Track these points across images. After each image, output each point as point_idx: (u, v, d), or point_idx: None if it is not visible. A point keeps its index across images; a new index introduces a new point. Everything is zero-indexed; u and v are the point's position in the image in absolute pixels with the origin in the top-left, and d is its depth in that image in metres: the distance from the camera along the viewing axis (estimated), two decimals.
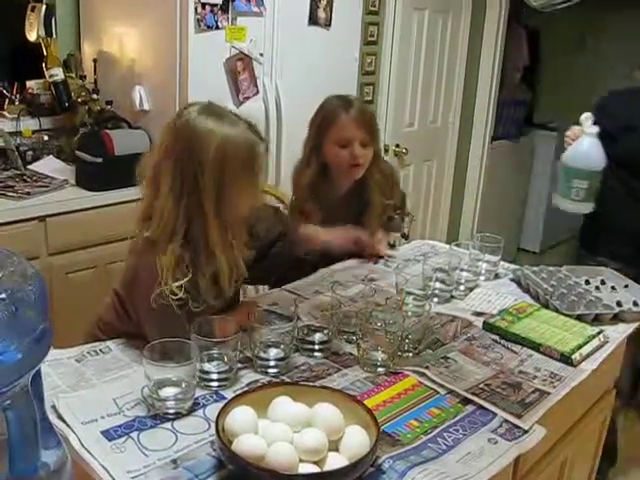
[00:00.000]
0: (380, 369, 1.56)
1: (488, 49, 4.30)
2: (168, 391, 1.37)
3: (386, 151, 4.11)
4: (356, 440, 1.19)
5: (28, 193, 2.68)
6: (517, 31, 4.70)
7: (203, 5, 2.63)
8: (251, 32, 2.83)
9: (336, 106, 2.03)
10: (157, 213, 1.57)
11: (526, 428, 1.37)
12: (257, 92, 2.93)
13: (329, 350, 1.64)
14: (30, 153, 3.00)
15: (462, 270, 2.02)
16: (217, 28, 2.71)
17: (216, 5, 2.67)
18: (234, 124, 1.61)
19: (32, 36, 3.12)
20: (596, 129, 2.24)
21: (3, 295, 0.87)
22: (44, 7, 3.07)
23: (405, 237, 4.13)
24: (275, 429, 1.19)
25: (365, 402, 1.40)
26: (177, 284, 1.53)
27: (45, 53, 3.10)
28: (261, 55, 2.90)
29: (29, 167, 2.94)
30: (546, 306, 1.91)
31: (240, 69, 2.84)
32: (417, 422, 1.37)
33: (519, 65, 4.87)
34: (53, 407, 1.34)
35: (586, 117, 2.28)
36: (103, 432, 1.29)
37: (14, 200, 2.63)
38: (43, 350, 0.98)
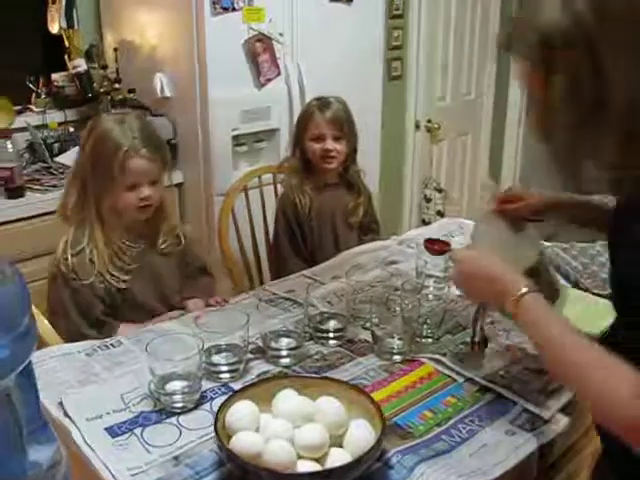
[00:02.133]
0: (396, 357, 1.51)
1: None
2: (174, 385, 1.34)
3: (417, 127, 4.02)
4: (360, 435, 1.14)
5: (54, 185, 2.69)
6: None
7: None
8: (270, 12, 2.77)
9: (313, 106, 2.27)
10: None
11: (547, 417, 1.30)
12: (279, 73, 2.87)
13: (344, 338, 1.59)
14: (57, 145, 3.00)
15: None
16: (234, 10, 2.65)
17: None
18: (120, 130, 1.76)
19: (54, 28, 3.12)
20: None
21: None
22: None
23: (440, 214, 4.07)
24: (275, 425, 1.15)
25: (377, 392, 1.36)
26: (66, 254, 1.77)
27: (67, 45, 3.10)
28: (281, 35, 2.83)
29: (56, 159, 2.95)
30: (576, 285, 1.83)
31: (260, 50, 2.78)
32: (431, 413, 1.32)
33: None
34: (60, 403, 1.33)
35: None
36: (107, 429, 1.27)
37: (40, 193, 2.64)
38: (26, 350, 0.95)
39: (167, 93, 2.86)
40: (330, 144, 2.22)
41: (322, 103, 2.26)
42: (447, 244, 1.38)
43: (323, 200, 2.29)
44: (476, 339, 1.41)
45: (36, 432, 1.02)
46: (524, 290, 1.09)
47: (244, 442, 1.10)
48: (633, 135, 0.92)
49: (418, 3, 3.73)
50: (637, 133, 0.92)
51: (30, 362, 0.99)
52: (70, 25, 3.10)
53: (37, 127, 2.99)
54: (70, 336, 1.69)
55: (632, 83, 0.89)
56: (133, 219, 1.84)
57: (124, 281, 1.82)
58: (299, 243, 2.29)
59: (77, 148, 2.92)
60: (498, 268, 1.20)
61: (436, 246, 1.42)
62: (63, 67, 3.10)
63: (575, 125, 0.96)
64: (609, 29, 0.89)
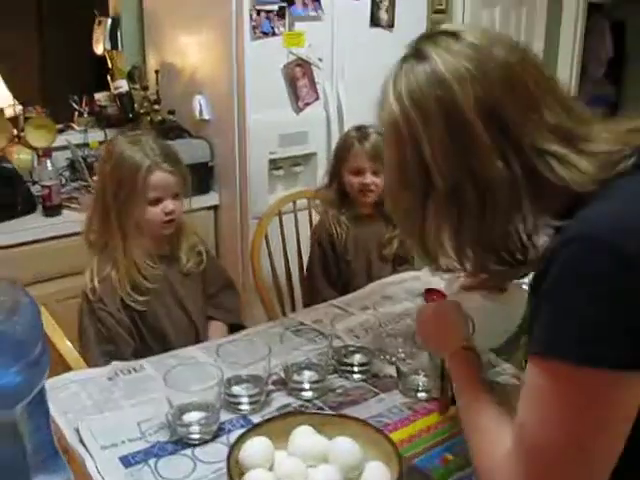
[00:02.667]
0: (421, 394, 1.47)
1: (567, 43, 4.07)
2: (192, 416, 1.32)
3: None
4: (375, 478, 1.10)
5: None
6: (599, 23, 4.45)
7: (258, 12, 2.58)
8: (310, 36, 2.77)
9: (352, 137, 2.22)
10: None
11: None
12: (317, 98, 2.86)
13: (368, 372, 1.55)
14: (97, 164, 3.04)
15: None
16: (274, 34, 2.66)
17: (272, 11, 2.62)
18: (138, 148, 1.79)
19: (99, 49, 3.19)
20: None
21: None
22: (110, 21, 3.13)
23: None
24: (288, 464, 1.12)
25: (399, 432, 1.33)
26: (93, 281, 1.77)
27: (111, 66, 3.15)
28: (320, 60, 2.82)
29: (95, 178, 2.98)
30: None
31: (299, 75, 2.78)
32: (452, 456, 1.27)
33: (602, 59, 4.61)
34: (76, 430, 1.32)
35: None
36: (121, 458, 1.26)
37: (78, 211, 2.67)
38: (38, 377, 0.95)
39: (206, 116, 2.87)
40: (369, 178, 2.17)
41: (361, 134, 2.21)
42: (444, 296, 1.36)
43: (359, 232, 2.25)
44: (442, 397, 1.35)
45: (46, 461, 1.01)
46: (457, 346, 1.19)
47: None
48: (461, 221, 0.98)
49: None
50: (463, 217, 0.98)
51: (43, 389, 0.99)
52: (114, 47, 3.16)
53: (78, 146, 3.04)
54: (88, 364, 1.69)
55: (449, 170, 0.96)
56: (157, 235, 1.85)
57: (146, 302, 1.82)
58: (333, 274, 2.26)
59: None
60: (449, 319, 1.27)
61: (434, 296, 1.42)
62: (106, 87, 3.15)
63: (412, 208, 1.03)
64: (426, 124, 0.96)
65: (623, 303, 0.81)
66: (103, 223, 1.80)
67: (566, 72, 4.13)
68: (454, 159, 0.95)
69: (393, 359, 1.57)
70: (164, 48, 3.10)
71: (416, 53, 1.00)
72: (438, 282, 2.03)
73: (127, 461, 1.25)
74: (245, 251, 2.85)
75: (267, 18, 2.61)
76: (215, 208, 2.94)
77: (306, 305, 2.23)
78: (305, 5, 2.71)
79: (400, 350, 1.52)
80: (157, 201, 1.79)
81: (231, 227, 2.90)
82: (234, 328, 2.03)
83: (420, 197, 1.00)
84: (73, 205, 2.72)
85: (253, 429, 1.22)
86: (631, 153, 0.93)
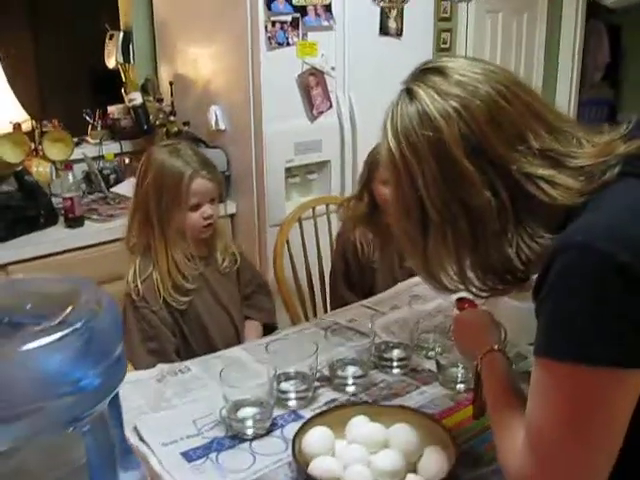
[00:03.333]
0: (460, 386, 1.52)
1: (566, 48, 4.17)
2: (246, 412, 1.37)
3: None
4: (434, 461, 1.16)
5: (111, 215, 2.77)
6: (596, 27, 4.55)
7: (273, 23, 2.65)
8: (322, 46, 2.83)
9: None
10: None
11: None
12: (330, 106, 2.92)
13: (407, 367, 1.61)
14: (113, 176, 3.09)
15: None
16: (288, 45, 2.72)
17: (286, 22, 2.68)
18: (178, 157, 1.86)
19: (111, 63, 3.24)
20: None
21: (78, 324, 0.89)
22: (122, 35, 3.19)
23: None
24: (352, 450, 1.17)
25: (444, 421, 1.37)
26: (136, 281, 1.84)
27: (124, 79, 3.20)
28: (333, 69, 2.89)
29: (112, 190, 3.03)
30: None
31: (313, 84, 2.84)
32: None
33: (600, 63, 4.70)
34: (135, 428, 1.36)
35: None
36: (182, 453, 1.30)
37: (99, 223, 2.72)
38: (119, 375, 1.00)
39: (221, 126, 2.93)
40: None
41: None
42: (475, 305, 1.44)
43: (387, 245, 2.22)
44: (476, 402, 1.34)
45: (121, 459, 1.05)
46: (488, 348, 1.22)
47: (324, 466, 1.12)
48: (459, 249, 1.05)
49: (465, 37, 3.78)
50: (460, 246, 1.05)
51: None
52: (126, 60, 3.21)
53: (93, 158, 3.09)
54: (133, 363, 1.74)
55: (442, 204, 1.03)
56: (196, 239, 1.91)
57: (187, 301, 1.88)
58: (356, 283, 2.27)
59: (133, 179, 3.01)
60: (481, 326, 1.32)
61: (466, 305, 1.50)
62: (119, 100, 3.20)
63: (413, 237, 1.09)
64: (419, 162, 1.03)
65: (616, 307, 0.86)
66: (144, 229, 1.86)
67: (567, 76, 4.23)
68: (446, 193, 1.02)
69: (430, 354, 1.63)
70: (176, 60, 3.16)
71: (408, 93, 1.07)
72: None
73: (189, 456, 1.30)
74: (263, 258, 2.90)
75: (282, 29, 2.68)
76: (232, 217, 2.99)
77: (332, 310, 2.27)
78: (318, 15, 2.77)
79: (437, 345, 1.58)
80: (197, 206, 1.86)
81: (249, 235, 2.95)
82: (267, 329, 2.08)
83: (419, 227, 1.07)
84: (94, 216, 2.76)
85: (311, 420, 1.28)
86: (616, 162, 0.99)
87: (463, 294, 1.45)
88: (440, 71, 1.06)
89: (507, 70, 1.09)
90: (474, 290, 1.11)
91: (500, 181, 1.00)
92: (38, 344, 0.85)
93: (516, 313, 1.42)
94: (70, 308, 0.92)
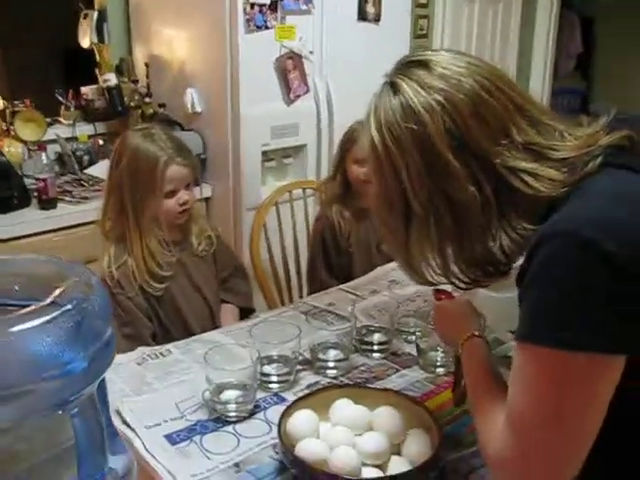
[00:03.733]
0: (439, 369, 1.54)
1: (540, 38, 4.22)
2: (229, 394, 1.38)
3: None
4: (418, 443, 1.18)
5: (85, 198, 2.74)
6: (570, 18, 4.60)
7: (252, 5, 2.63)
8: (300, 30, 2.83)
9: (356, 130, 2.20)
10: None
11: None
12: (307, 90, 2.92)
13: (388, 350, 1.63)
14: (86, 158, 3.06)
15: None
16: (266, 28, 2.71)
17: (264, 5, 2.67)
18: (152, 143, 1.84)
19: (85, 43, 3.19)
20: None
21: (69, 306, 0.88)
22: (96, 14, 3.14)
23: None
24: (337, 432, 1.18)
25: (426, 403, 1.39)
26: (110, 267, 1.82)
27: (98, 59, 3.16)
28: (311, 53, 2.89)
29: (85, 171, 3.00)
30: None
31: (290, 68, 2.83)
32: None
33: (572, 53, 4.76)
34: (117, 411, 1.36)
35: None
36: (166, 436, 1.30)
37: (72, 205, 2.69)
38: (109, 357, 0.99)
39: (198, 108, 2.91)
40: None
41: None
42: (452, 296, 1.48)
43: (361, 225, 2.29)
44: (457, 389, 1.35)
45: (109, 442, 1.05)
46: (469, 334, 1.24)
47: (311, 448, 1.13)
48: (442, 242, 1.06)
49: (442, 25, 3.80)
50: (443, 239, 1.06)
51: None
52: (101, 40, 3.16)
53: (67, 139, 3.05)
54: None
55: (426, 196, 1.03)
56: (172, 224, 1.90)
57: (164, 287, 1.88)
58: (335, 265, 2.29)
59: (107, 161, 2.98)
60: (462, 314, 1.34)
61: (442, 296, 1.54)
62: (93, 81, 3.15)
63: (395, 229, 1.10)
64: (403, 155, 1.04)
65: (600, 295, 0.88)
66: (119, 215, 1.84)
67: (540, 66, 4.27)
68: (430, 186, 1.03)
69: (410, 337, 1.65)
70: (152, 41, 3.13)
71: (391, 86, 1.07)
72: None
73: (172, 439, 1.30)
74: (239, 242, 2.90)
75: (260, 12, 2.66)
76: (207, 200, 2.97)
77: (309, 294, 2.28)
78: None
79: (417, 329, 1.60)
80: (172, 193, 1.84)
81: (224, 218, 2.94)
82: (243, 312, 2.09)
83: (402, 220, 1.08)
84: (67, 198, 2.73)
85: (296, 403, 1.28)
86: (598, 153, 1.01)
87: (442, 286, 1.48)
88: (424, 64, 1.06)
89: (490, 64, 1.10)
90: (457, 282, 1.12)
91: (484, 175, 1.01)
92: (28, 326, 0.84)
93: (493, 303, 1.45)
94: (60, 289, 0.91)
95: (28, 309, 0.86)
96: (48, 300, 0.88)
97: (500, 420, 0.99)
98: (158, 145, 1.83)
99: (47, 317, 0.85)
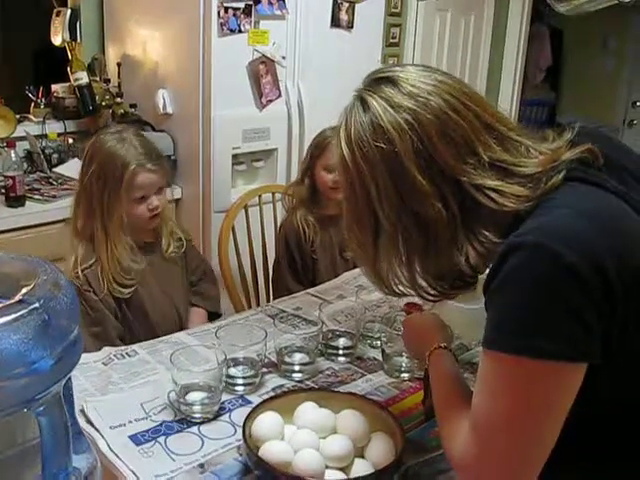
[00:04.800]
0: (404, 375, 1.57)
1: (511, 49, 4.29)
2: (194, 396, 1.38)
3: None
4: (381, 447, 1.19)
5: (54, 196, 2.71)
6: (540, 30, 4.67)
7: (226, 9, 2.64)
8: (274, 35, 2.84)
9: (328, 136, 2.22)
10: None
11: None
12: (280, 95, 2.93)
13: (353, 355, 1.65)
14: (55, 156, 3.03)
15: None
16: (240, 32, 2.71)
17: (239, 9, 2.68)
18: (123, 147, 1.82)
19: (57, 40, 3.15)
20: None
21: (36, 304, 0.88)
22: (69, 12, 3.10)
23: None
24: (302, 435, 1.20)
25: (390, 408, 1.41)
26: (77, 268, 1.81)
27: (70, 57, 3.13)
28: (284, 58, 2.90)
29: (54, 170, 2.97)
30: None
31: (263, 72, 2.84)
32: None
33: (542, 65, 4.84)
34: (82, 411, 1.36)
35: None
36: (131, 437, 1.31)
37: (40, 203, 2.67)
38: (75, 357, 0.99)
39: (169, 110, 2.91)
40: None
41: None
42: (422, 308, 1.51)
43: (325, 232, 2.30)
44: (427, 401, 1.36)
45: (74, 439, 1.05)
46: (435, 346, 1.27)
47: (275, 450, 1.14)
48: (409, 256, 1.09)
49: (414, 33, 3.84)
50: (410, 254, 1.09)
51: None
52: (73, 38, 3.13)
53: (36, 137, 3.02)
54: None
55: (393, 212, 1.06)
56: (141, 229, 1.90)
57: (132, 291, 1.87)
58: (300, 271, 2.31)
59: (76, 160, 2.98)
60: (428, 327, 1.38)
61: (412, 309, 1.56)
62: (64, 79, 3.13)
63: (364, 242, 1.13)
64: (372, 172, 1.06)
65: (565, 305, 0.91)
66: (88, 217, 1.84)
67: (510, 77, 4.34)
68: (397, 203, 1.05)
69: (375, 343, 1.67)
70: (125, 40, 3.11)
71: (361, 102, 1.09)
72: None
73: (137, 439, 1.30)
74: (207, 244, 2.90)
75: (234, 15, 2.67)
76: (177, 202, 2.97)
77: (275, 299, 2.28)
78: (270, 4, 2.78)
79: (382, 335, 1.62)
80: (142, 199, 1.84)
81: (193, 221, 2.93)
82: (211, 317, 2.09)
83: (371, 234, 1.10)
84: (36, 196, 2.70)
85: (261, 405, 1.29)
86: (562, 167, 1.03)
87: (411, 298, 1.52)
88: (392, 81, 1.08)
89: (457, 79, 1.12)
90: (424, 295, 1.15)
91: (450, 192, 1.03)
92: None
93: (461, 314, 1.48)
94: (28, 287, 0.91)
95: None
96: (16, 298, 0.88)
97: (464, 426, 1.02)
98: (129, 151, 1.82)
99: (14, 315, 0.85)
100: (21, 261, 1.04)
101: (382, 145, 1.04)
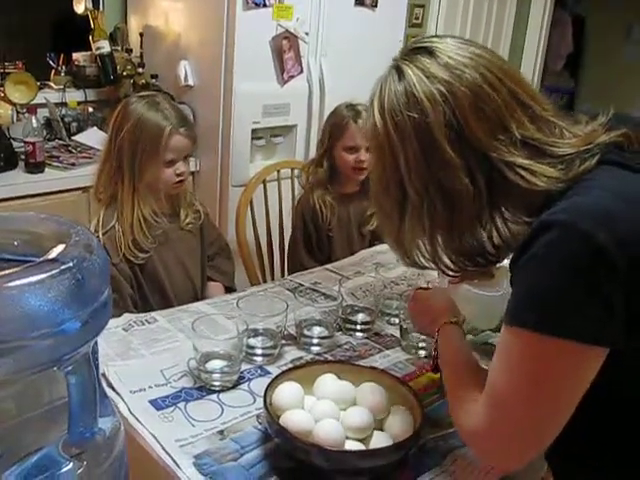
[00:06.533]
0: (421, 352, 1.57)
1: (533, 36, 4.25)
2: (214, 364, 1.39)
3: None
4: (401, 421, 1.20)
5: (73, 164, 2.72)
6: (562, 17, 4.63)
7: None
8: (298, 11, 2.83)
9: (346, 116, 2.23)
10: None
11: None
12: (301, 71, 2.93)
13: (371, 331, 1.65)
14: (75, 124, 3.04)
15: None
16: (264, 6, 2.70)
17: None
18: (157, 111, 1.84)
19: (79, 8, 3.14)
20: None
21: (70, 264, 0.89)
22: None
23: None
24: (322, 405, 1.20)
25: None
26: (97, 232, 1.82)
27: (92, 26, 3.12)
28: (307, 34, 2.89)
29: (73, 138, 2.98)
30: None
31: (286, 48, 2.84)
32: None
33: (563, 52, 4.80)
34: (103, 375, 1.37)
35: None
36: (151, 401, 1.32)
37: (59, 170, 2.68)
38: (104, 319, 0.99)
39: (190, 81, 2.90)
40: (364, 155, 2.21)
41: (355, 112, 2.24)
42: None
43: (343, 209, 2.30)
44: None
45: (99, 401, 1.06)
46: (445, 321, 1.29)
47: (296, 419, 1.15)
48: (433, 229, 1.09)
49: (437, 15, 3.81)
50: (435, 227, 1.09)
51: None
52: (96, 6, 3.13)
53: (56, 104, 3.02)
54: None
55: (420, 184, 1.06)
56: (166, 194, 1.91)
57: (147, 257, 1.89)
58: (315, 248, 2.31)
59: (96, 128, 2.98)
60: (437, 303, 1.39)
61: None
62: (86, 47, 3.13)
63: (390, 212, 1.13)
64: (403, 142, 1.07)
65: (590, 287, 0.91)
66: (113, 180, 1.84)
67: (531, 63, 4.31)
68: (425, 174, 1.05)
69: (394, 319, 1.68)
70: (148, 10, 3.11)
71: (397, 71, 1.09)
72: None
73: (157, 404, 1.31)
74: (223, 218, 2.91)
75: None
76: (194, 174, 2.97)
77: (290, 274, 2.29)
78: None
79: (401, 311, 1.62)
80: (171, 162, 1.85)
81: (210, 194, 2.94)
82: (227, 291, 2.10)
83: (397, 205, 1.11)
84: (55, 163, 2.71)
85: (281, 375, 1.30)
86: (596, 151, 1.03)
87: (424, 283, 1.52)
88: (429, 51, 1.08)
89: (496, 54, 1.11)
90: (444, 269, 1.15)
91: (479, 167, 1.03)
92: (27, 281, 0.84)
93: (474, 299, 1.47)
94: (62, 246, 0.92)
95: (28, 265, 0.86)
96: (51, 255, 0.88)
97: (472, 399, 1.03)
98: (163, 114, 1.84)
99: (48, 273, 0.85)
100: (52, 222, 1.05)
101: (414, 115, 1.04)
